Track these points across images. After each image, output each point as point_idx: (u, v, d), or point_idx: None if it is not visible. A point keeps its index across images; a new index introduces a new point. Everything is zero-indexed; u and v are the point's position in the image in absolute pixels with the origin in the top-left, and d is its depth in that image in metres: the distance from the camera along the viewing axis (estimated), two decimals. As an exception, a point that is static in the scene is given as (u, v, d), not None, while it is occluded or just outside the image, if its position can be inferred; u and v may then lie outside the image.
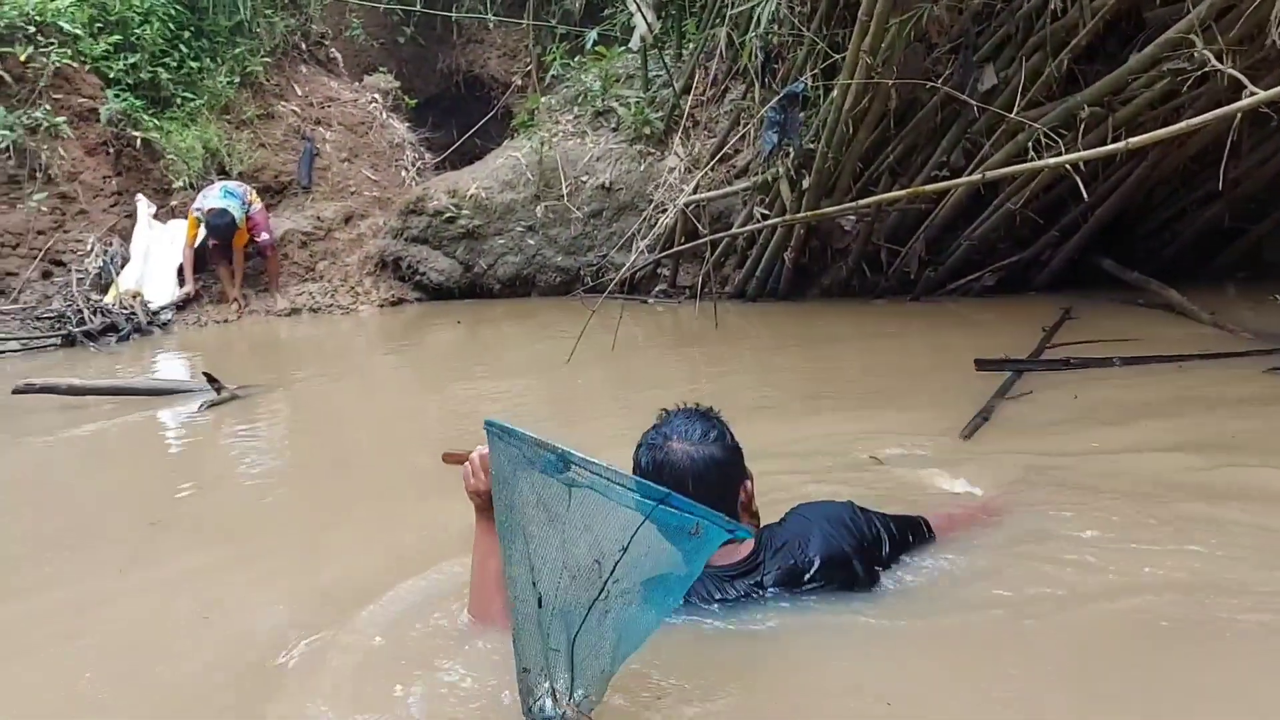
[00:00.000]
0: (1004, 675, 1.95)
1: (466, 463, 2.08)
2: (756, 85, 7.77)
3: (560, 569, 1.73)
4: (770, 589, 2.17)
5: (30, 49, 8.38)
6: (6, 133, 8.20)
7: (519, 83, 12.64)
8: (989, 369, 4.61)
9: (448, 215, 9.26)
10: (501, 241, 9.25)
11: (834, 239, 7.67)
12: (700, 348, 6.09)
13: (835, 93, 6.73)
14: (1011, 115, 6.17)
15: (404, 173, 10.80)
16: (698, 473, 2.11)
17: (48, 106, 8.50)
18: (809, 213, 6.82)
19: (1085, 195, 5.11)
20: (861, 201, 6.15)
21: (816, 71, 6.85)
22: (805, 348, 6.33)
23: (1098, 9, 5.99)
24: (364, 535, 3.03)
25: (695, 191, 8.02)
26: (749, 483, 2.24)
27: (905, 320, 7.01)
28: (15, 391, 5.20)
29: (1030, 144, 6.07)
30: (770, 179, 7.37)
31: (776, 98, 6.66)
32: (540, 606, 1.73)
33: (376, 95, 11.21)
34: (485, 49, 13.07)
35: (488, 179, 9.36)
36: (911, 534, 2.39)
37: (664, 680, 1.92)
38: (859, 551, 2.24)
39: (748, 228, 7.29)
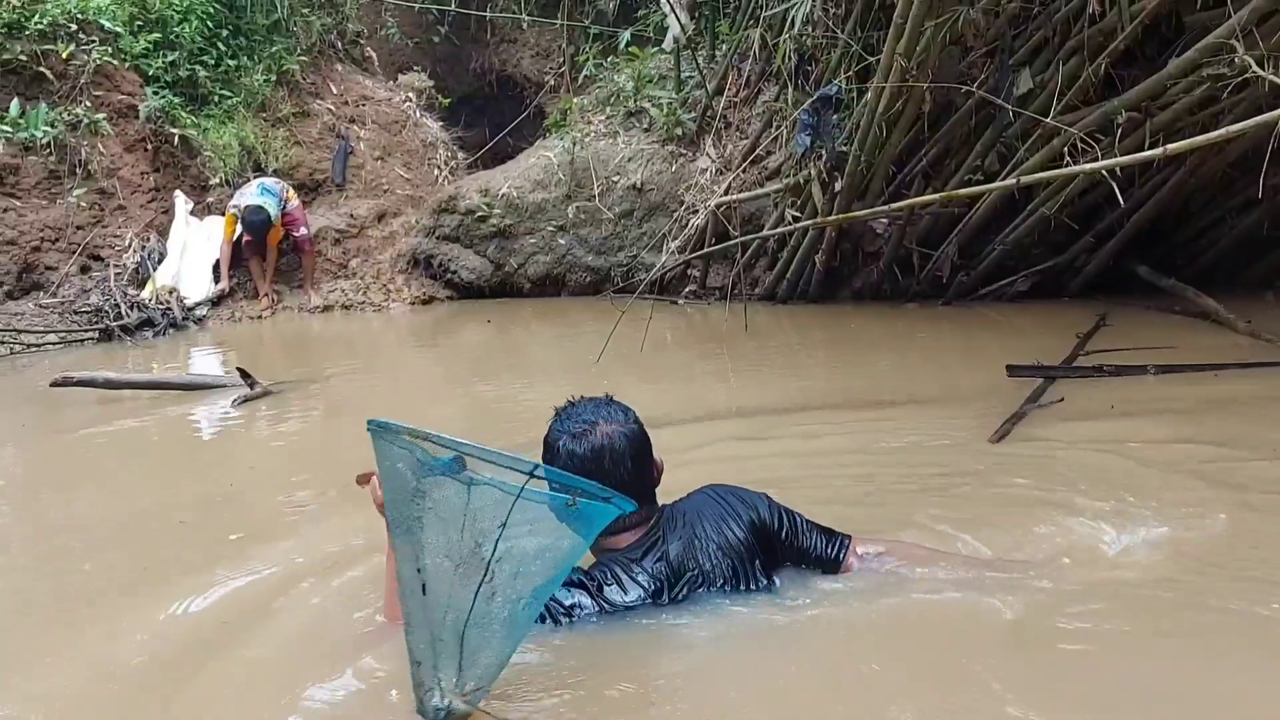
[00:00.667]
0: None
1: (373, 477, 1.95)
2: (790, 87, 7.75)
3: (444, 557, 1.72)
4: (671, 564, 2.14)
5: (72, 47, 8.51)
6: (48, 129, 8.33)
7: (551, 82, 12.68)
8: (1021, 375, 4.57)
9: (479, 214, 9.31)
10: (532, 241, 9.28)
11: (866, 242, 7.64)
12: (730, 349, 6.09)
13: (869, 95, 6.71)
14: (1047, 120, 6.11)
15: (436, 171, 10.86)
16: (635, 451, 2.15)
17: (88, 103, 8.62)
18: (841, 215, 6.80)
19: (1121, 201, 5.07)
20: (894, 205, 6.10)
21: (850, 74, 6.83)
22: (835, 350, 6.33)
23: (1136, 13, 5.92)
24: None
25: (727, 193, 8.01)
26: (659, 464, 2.28)
27: (937, 324, 6.97)
28: (53, 384, 5.28)
29: (1066, 149, 6.01)
30: (802, 181, 7.35)
31: (810, 100, 6.64)
32: (425, 594, 1.72)
33: (410, 94, 11.29)
34: (518, 49, 13.12)
35: (519, 178, 9.40)
36: (823, 541, 2.29)
37: (562, 675, 1.91)
38: (756, 535, 2.22)
39: (779, 229, 7.27)
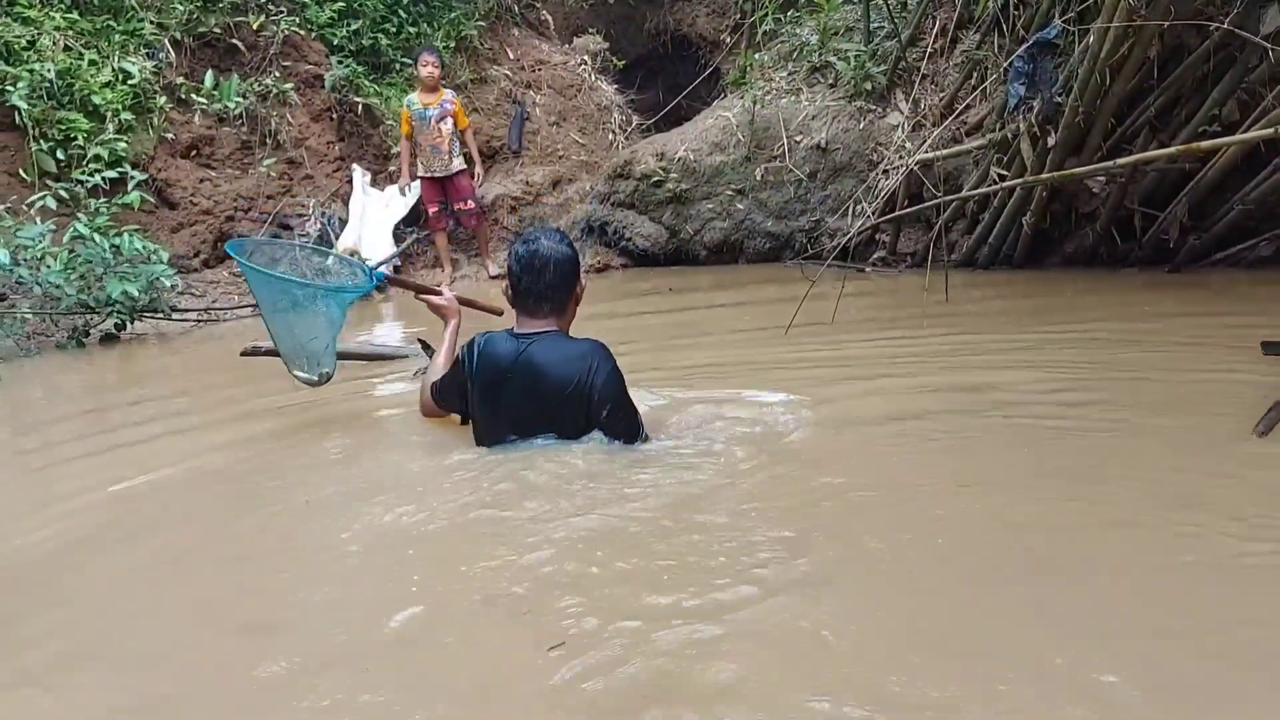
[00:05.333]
0: None
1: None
2: (995, 33, 7.08)
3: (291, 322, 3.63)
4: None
5: (261, 18, 8.70)
6: (240, 100, 8.55)
7: (728, 41, 12.25)
8: (1278, 353, 3.93)
9: (655, 179, 9.02)
10: (709, 206, 8.94)
11: (1080, 202, 6.92)
12: (929, 321, 5.56)
13: (1090, 38, 6.01)
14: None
15: (611, 136, 10.65)
16: (557, 260, 3.10)
17: (277, 74, 8.81)
18: (1056, 173, 6.13)
19: None
20: (1119, 161, 5.44)
21: (1072, 15, 6.12)
22: (1045, 323, 5.69)
23: None
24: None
25: (923, 150, 7.42)
26: (581, 288, 3.25)
27: (1162, 293, 6.21)
28: (243, 353, 5.33)
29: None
30: (1010, 136, 6.70)
31: (1025, 45, 5.99)
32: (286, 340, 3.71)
33: (585, 57, 11.09)
34: (694, 6, 12.71)
35: (697, 140, 9.05)
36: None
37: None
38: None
39: (984, 189, 6.65)
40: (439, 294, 3.84)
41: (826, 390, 3.89)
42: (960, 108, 7.59)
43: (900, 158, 7.61)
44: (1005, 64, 6.49)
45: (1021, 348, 4.73)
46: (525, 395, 3.08)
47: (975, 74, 7.61)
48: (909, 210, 7.01)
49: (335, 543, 2.55)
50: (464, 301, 4.02)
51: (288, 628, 2.13)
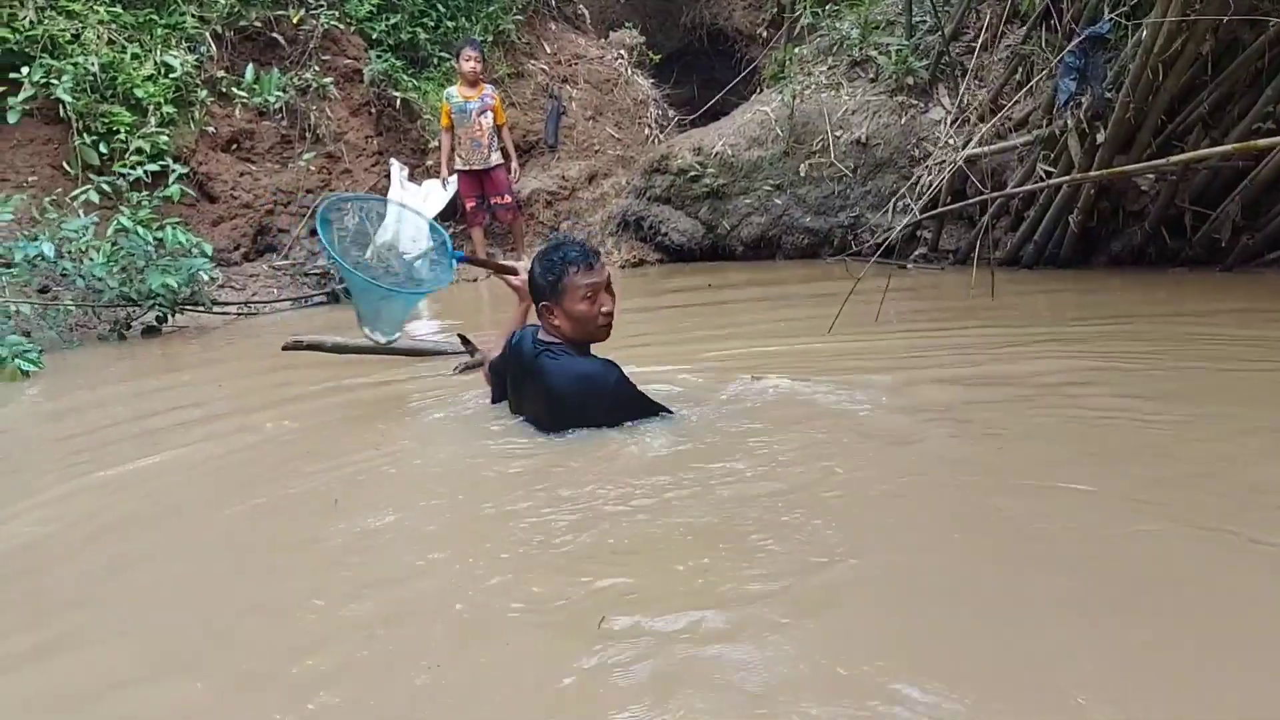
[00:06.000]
0: None
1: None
2: (1043, 28, 6.96)
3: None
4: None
5: (301, 11, 8.71)
6: (280, 94, 8.57)
7: (765, 35, 12.16)
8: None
9: (692, 174, 8.97)
10: (747, 201, 8.87)
11: (1129, 200, 6.79)
12: (976, 321, 5.47)
13: (1144, 33, 5.89)
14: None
15: (647, 131, 10.60)
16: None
17: (316, 68, 8.82)
18: (1105, 170, 6.02)
19: None
20: (1173, 159, 5.32)
21: (1126, 9, 5.99)
22: (1092, 323, 5.58)
23: None
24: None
25: (967, 146, 7.32)
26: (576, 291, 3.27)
27: (1214, 296, 6.05)
28: (285, 347, 5.32)
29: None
30: (1058, 132, 6.58)
31: (1076, 40, 5.87)
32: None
33: (622, 51, 11.04)
34: (730, 1, 12.64)
35: (734, 135, 8.98)
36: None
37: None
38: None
39: (1033, 185, 6.53)
40: (515, 272, 3.85)
41: (882, 377, 3.84)
42: (1006, 103, 7.46)
43: (944, 153, 7.50)
44: (1056, 59, 6.36)
45: (1075, 339, 4.63)
46: (539, 398, 3.33)
47: (1021, 69, 7.48)
48: (957, 205, 6.91)
49: (370, 527, 2.55)
50: (475, 261, 4.98)
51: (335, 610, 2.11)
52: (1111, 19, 5.90)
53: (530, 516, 2.59)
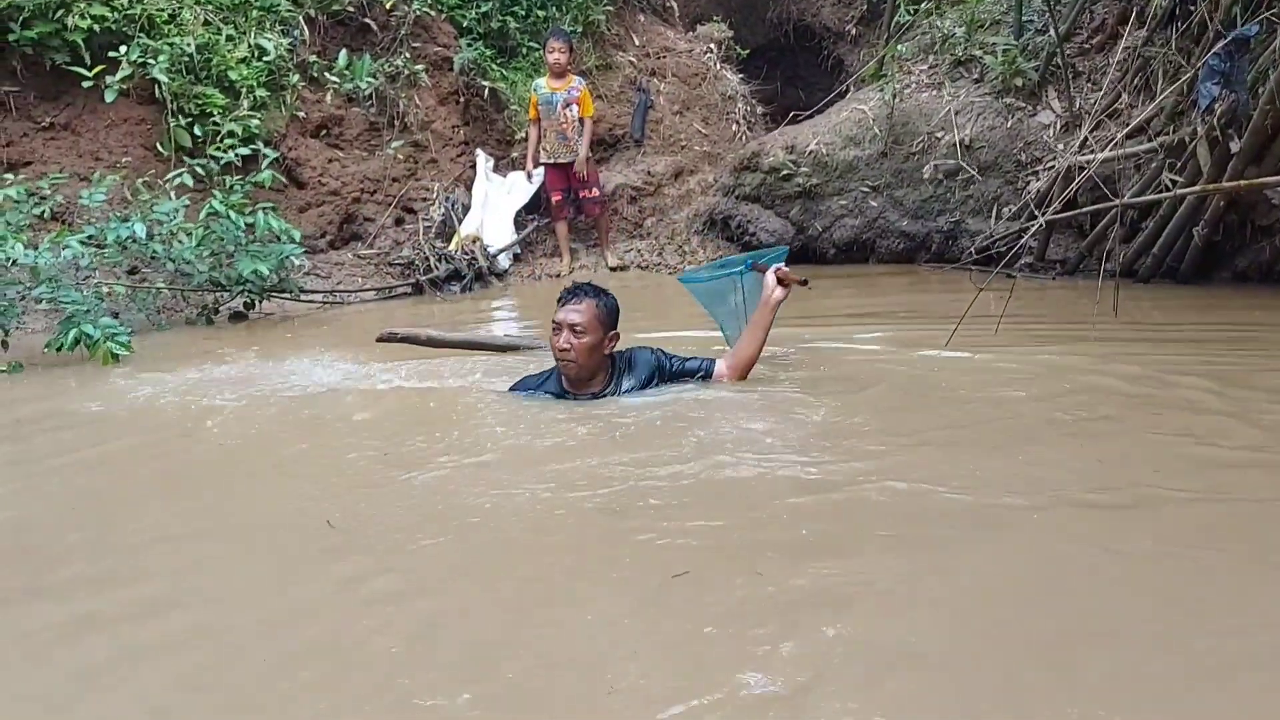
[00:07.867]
0: None
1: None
2: (1172, 29, 6.61)
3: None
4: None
5: (395, -1, 8.62)
6: (371, 80, 8.48)
7: (853, 32, 11.86)
8: None
9: (783, 172, 8.72)
10: (841, 202, 8.60)
11: (1259, 214, 6.41)
12: (1099, 336, 5.14)
13: (1290, 35, 5.54)
14: None
15: (735, 127, 10.35)
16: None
17: (407, 54, 8.72)
18: (1241, 181, 5.67)
19: None
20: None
21: (1277, 10, 5.63)
22: (1222, 341, 5.22)
23: None
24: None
25: (1082, 151, 6.98)
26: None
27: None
28: (379, 339, 5.22)
29: None
30: (1186, 139, 6.23)
31: (1222, 42, 5.53)
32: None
33: (710, 45, 10.79)
34: (819, -4, 12.33)
35: (829, 134, 8.72)
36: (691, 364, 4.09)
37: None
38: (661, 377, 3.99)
39: (1164, 194, 6.19)
40: (806, 283, 4.43)
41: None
42: (1125, 108, 7.11)
43: (1057, 157, 7.17)
44: (1197, 62, 6.00)
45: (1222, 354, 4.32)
46: None
47: (1141, 73, 7.12)
48: (1081, 210, 6.61)
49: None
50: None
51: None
52: (1264, 18, 5.54)
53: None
